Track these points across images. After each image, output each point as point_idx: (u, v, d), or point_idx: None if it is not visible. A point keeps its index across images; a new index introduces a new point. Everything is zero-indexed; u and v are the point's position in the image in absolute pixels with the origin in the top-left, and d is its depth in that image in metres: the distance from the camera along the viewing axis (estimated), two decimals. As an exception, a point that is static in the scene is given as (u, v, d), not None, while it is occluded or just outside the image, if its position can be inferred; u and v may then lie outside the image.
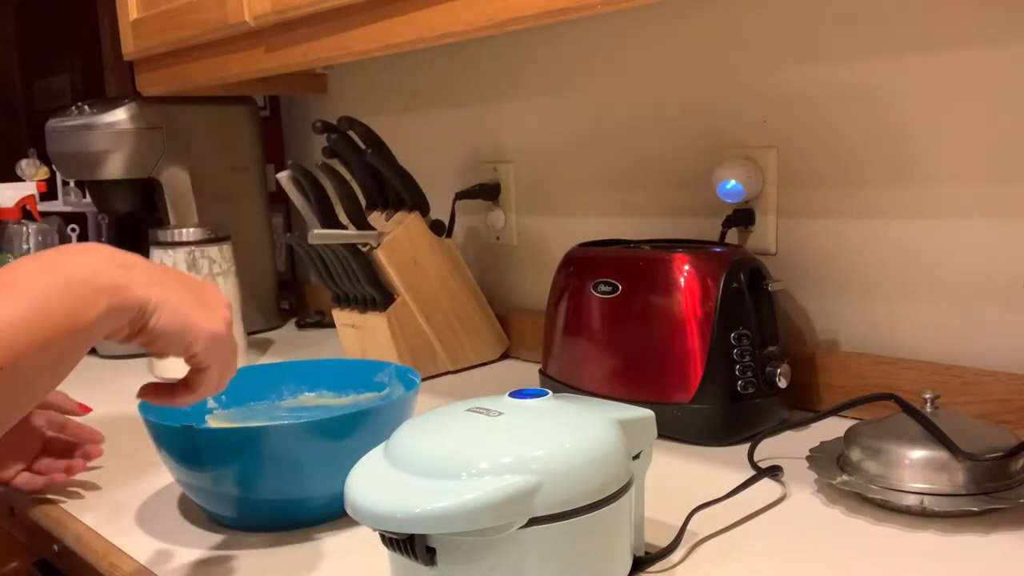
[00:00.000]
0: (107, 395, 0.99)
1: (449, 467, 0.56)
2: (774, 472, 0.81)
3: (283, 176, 1.25)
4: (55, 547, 0.82)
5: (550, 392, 0.65)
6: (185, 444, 0.75)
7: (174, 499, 0.86)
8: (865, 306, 1.00)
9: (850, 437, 0.78)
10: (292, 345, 1.52)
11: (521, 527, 0.55)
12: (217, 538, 0.77)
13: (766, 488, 0.80)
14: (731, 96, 1.08)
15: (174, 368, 0.64)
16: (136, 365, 1.35)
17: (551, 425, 0.61)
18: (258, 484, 0.74)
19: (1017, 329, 0.89)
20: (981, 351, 0.91)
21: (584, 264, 1.04)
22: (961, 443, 0.72)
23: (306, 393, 0.93)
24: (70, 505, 0.86)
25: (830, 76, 0.99)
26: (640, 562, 0.66)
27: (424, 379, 1.02)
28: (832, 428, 0.89)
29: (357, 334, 1.27)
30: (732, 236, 1.07)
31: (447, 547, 0.56)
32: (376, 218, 1.28)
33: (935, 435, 0.73)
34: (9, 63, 3.70)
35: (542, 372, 1.10)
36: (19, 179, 1.92)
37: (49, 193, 1.88)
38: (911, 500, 0.72)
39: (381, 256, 1.21)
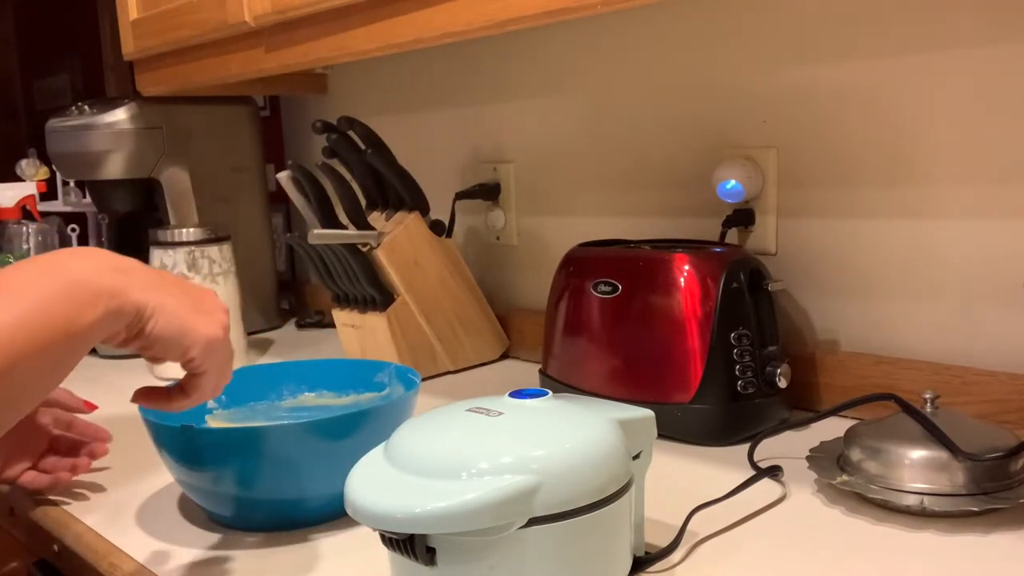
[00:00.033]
0: (107, 395, 0.99)
1: (449, 467, 0.56)
2: (774, 472, 0.81)
3: (283, 176, 1.25)
4: (55, 547, 0.82)
5: (550, 392, 0.65)
6: (185, 444, 0.75)
7: (174, 499, 0.86)
8: (865, 306, 1.00)
9: (850, 437, 0.78)
10: (292, 345, 1.52)
11: (521, 527, 0.55)
12: (217, 538, 0.77)
13: (766, 488, 0.80)
14: (731, 96, 1.08)
15: (173, 369, 0.64)
16: (136, 365, 1.35)
17: (551, 425, 0.61)
18: (258, 484, 0.74)
19: (1017, 329, 0.89)
20: (981, 351, 0.91)
21: (584, 264, 1.04)
22: (961, 443, 0.72)
23: (306, 393, 0.93)
24: (70, 505, 0.86)
25: (830, 76, 0.99)
26: (640, 562, 0.66)
27: (424, 379, 1.02)
28: (832, 428, 0.89)
29: (357, 334, 1.27)
30: (732, 236, 1.07)
31: (447, 547, 0.56)
32: (376, 218, 1.28)
33: (935, 435, 0.73)
34: (9, 63, 3.71)
35: (542, 372, 1.09)
36: (19, 179, 1.92)
37: (49, 193, 1.88)
38: (911, 500, 0.72)
39: (381, 256, 1.21)
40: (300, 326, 1.67)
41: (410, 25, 0.98)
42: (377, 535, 0.58)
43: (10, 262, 1.57)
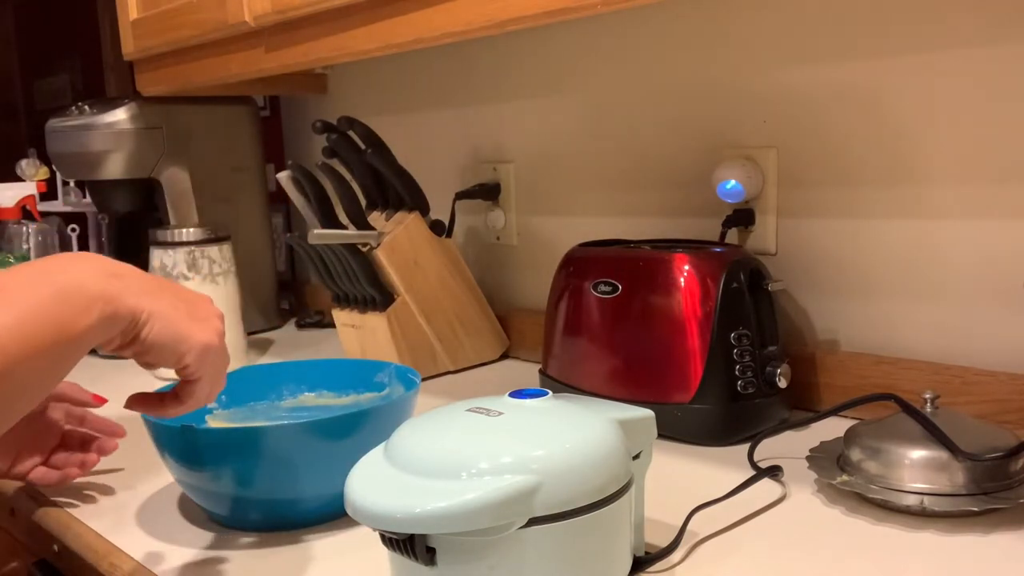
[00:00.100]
0: (107, 395, 0.99)
1: (449, 467, 0.56)
2: (774, 472, 0.81)
3: (283, 176, 1.25)
4: (55, 547, 0.82)
5: (550, 392, 0.65)
6: (185, 444, 0.75)
7: (174, 499, 0.86)
8: (865, 306, 1.00)
9: (850, 437, 0.78)
10: (292, 345, 1.52)
11: (521, 527, 0.55)
12: (217, 538, 0.77)
13: (766, 488, 0.80)
14: (731, 96, 1.08)
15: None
16: (136, 364, 1.35)
17: (551, 425, 0.61)
18: (258, 484, 0.74)
19: (1017, 329, 0.89)
20: (981, 351, 0.91)
21: (584, 264, 1.04)
22: (961, 443, 0.72)
23: (306, 393, 0.93)
24: (70, 505, 0.86)
25: (830, 76, 0.99)
26: (640, 562, 0.66)
27: (424, 379, 1.02)
28: (832, 428, 0.89)
29: (357, 334, 1.27)
30: (732, 236, 1.07)
31: (447, 547, 0.56)
32: (376, 218, 1.28)
33: (935, 435, 0.73)
34: (9, 63, 3.71)
35: (542, 372, 1.10)
36: (19, 179, 1.92)
37: (49, 193, 1.89)
38: (911, 500, 0.72)
39: (381, 256, 1.21)
40: (300, 326, 1.67)
41: (410, 25, 0.98)
42: (377, 535, 0.58)
43: (10, 262, 1.57)
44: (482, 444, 0.58)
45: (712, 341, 0.91)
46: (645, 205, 1.19)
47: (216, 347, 0.63)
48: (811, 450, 0.82)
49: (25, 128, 3.66)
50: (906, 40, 0.93)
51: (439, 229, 1.29)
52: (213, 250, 1.31)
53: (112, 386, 0.89)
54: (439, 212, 1.32)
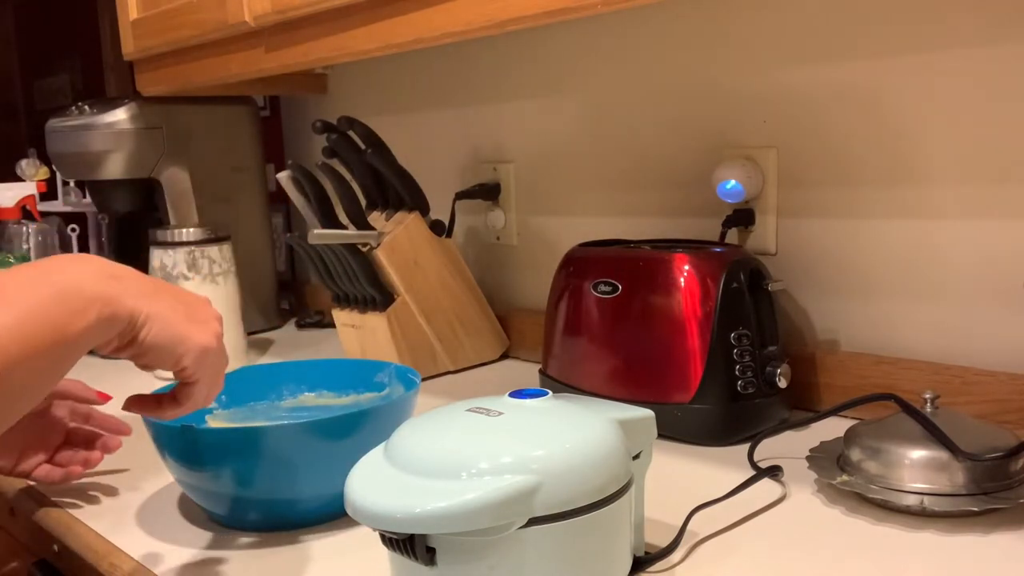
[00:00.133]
0: (109, 393, 0.99)
1: (449, 467, 0.56)
2: (774, 472, 0.81)
3: (283, 176, 1.25)
4: (55, 547, 0.82)
5: (550, 392, 0.65)
6: (185, 444, 0.75)
7: (174, 499, 0.86)
8: (865, 306, 1.00)
9: (850, 437, 0.78)
10: (292, 345, 1.52)
11: (521, 527, 0.55)
12: (217, 538, 0.77)
13: (766, 488, 0.80)
14: (731, 96, 1.08)
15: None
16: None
17: (551, 425, 0.61)
18: (258, 484, 0.74)
19: (1017, 329, 0.89)
20: (981, 351, 0.91)
21: (584, 264, 1.04)
22: (961, 443, 0.72)
23: (306, 393, 0.93)
24: (70, 505, 0.86)
25: (830, 76, 0.99)
26: (640, 562, 0.66)
27: (424, 379, 1.02)
28: (832, 428, 0.89)
29: (357, 334, 1.27)
30: (732, 236, 1.07)
31: (447, 547, 0.56)
32: (376, 218, 1.29)
33: (935, 435, 0.73)
34: (9, 63, 3.71)
35: (542, 372, 1.10)
36: (19, 179, 1.92)
37: (49, 193, 1.89)
38: (911, 500, 0.72)
39: (381, 256, 1.21)
40: (300, 326, 1.67)
41: (410, 25, 0.98)
42: (377, 535, 0.58)
43: (10, 262, 1.57)
44: (482, 444, 0.58)
45: (712, 341, 0.91)
46: (645, 205, 1.19)
47: (214, 349, 0.63)
48: (811, 450, 0.82)
49: (25, 128, 3.66)
50: (906, 40, 0.93)
51: (439, 229, 1.29)
52: (213, 250, 1.31)
53: (113, 385, 0.89)
54: (439, 212, 1.32)
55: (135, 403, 0.66)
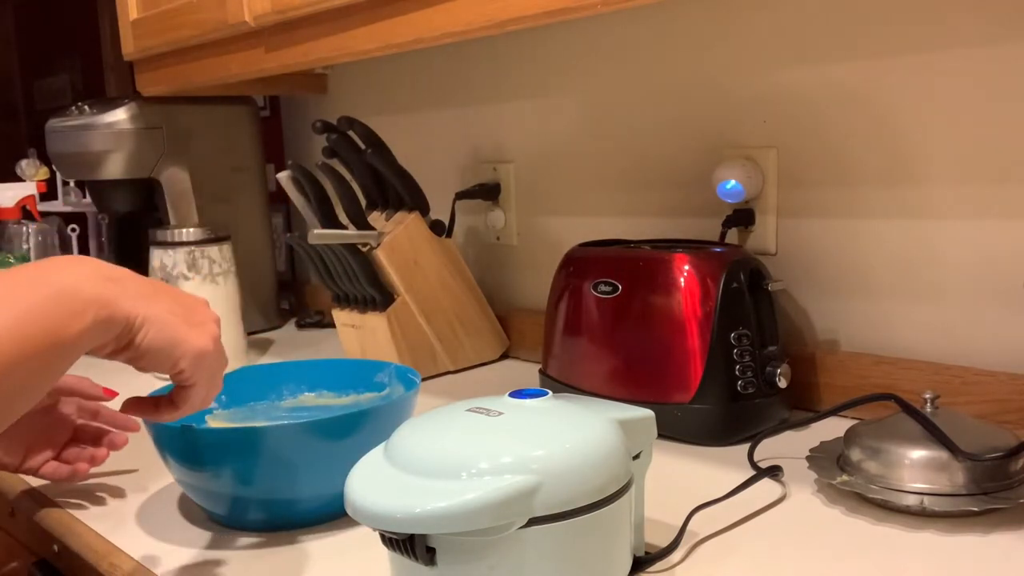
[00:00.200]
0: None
1: (449, 467, 0.56)
2: (774, 472, 0.81)
3: (283, 176, 1.25)
4: (55, 547, 0.82)
5: (550, 392, 0.65)
6: (185, 444, 0.75)
7: (174, 499, 0.86)
8: (865, 306, 1.00)
9: (850, 437, 0.78)
10: (292, 345, 1.52)
11: (521, 527, 0.55)
12: (217, 538, 0.77)
13: (766, 488, 0.80)
14: (731, 96, 1.08)
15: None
16: (136, 365, 1.35)
17: (551, 425, 0.61)
18: (258, 484, 0.74)
19: (1017, 329, 0.89)
20: (981, 351, 0.91)
21: (584, 264, 1.04)
22: (961, 443, 0.72)
23: (306, 393, 0.93)
24: (70, 505, 0.86)
25: (830, 76, 0.99)
26: (640, 562, 0.66)
27: (424, 379, 1.02)
28: (832, 428, 0.89)
29: (357, 334, 1.27)
30: (732, 236, 1.07)
31: (447, 547, 0.56)
32: (376, 218, 1.29)
33: (935, 435, 0.73)
34: (9, 63, 3.71)
35: (542, 372, 1.10)
36: (19, 179, 1.92)
37: (49, 193, 1.89)
38: (911, 500, 0.72)
39: (381, 256, 1.21)
40: (300, 326, 1.67)
41: (410, 25, 0.98)
42: (377, 535, 0.58)
43: (10, 262, 1.57)
44: (482, 444, 0.58)
45: (712, 341, 0.91)
46: (645, 205, 1.19)
47: (211, 352, 0.63)
48: (811, 450, 0.82)
49: (25, 128, 3.66)
50: (906, 40, 0.93)
51: (439, 229, 1.29)
52: (213, 250, 1.31)
53: (114, 383, 0.89)
54: (439, 212, 1.32)
55: (133, 406, 0.66)
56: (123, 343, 0.58)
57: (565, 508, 0.56)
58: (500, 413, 0.62)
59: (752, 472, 0.81)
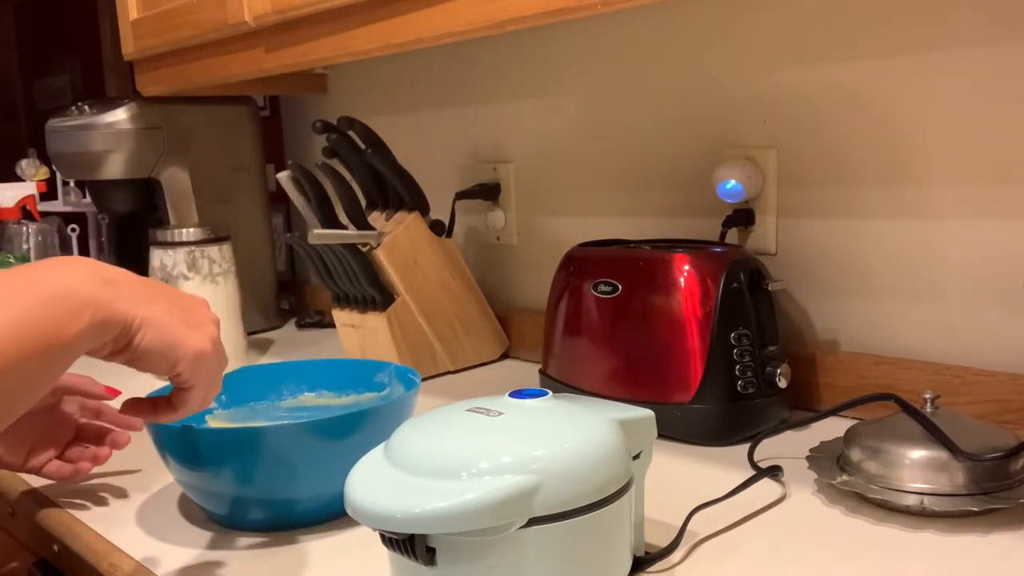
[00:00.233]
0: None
1: (449, 467, 0.56)
2: (774, 472, 0.81)
3: (283, 176, 1.25)
4: (55, 547, 0.82)
5: (550, 392, 0.65)
6: (185, 444, 0.75)
7: (174, 499, 0.85)
8: (865, 306, 1.00)
9: (850, 437, 0.78)
10: (292, 345, 1.52)
11: (521, 527, 0.55)
12: (217, 538, 0.77)
13: (766, 488, 0.80)
14: (731, 96, 1.08)
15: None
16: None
17: (551, 425, 0.61)
18: (258, 484, 0.74)
19: (1017, 329, 0.89)
20: (981, 351, 0.91)
21: (584, 264, 1.04)
22: (961, 443, 0.72)
23: (306, 393, 0.93)
24: (71, 505, 0.86)
25: (830, 76, 0.99)
26: (640, 562, 0.66)
27: (424, 379, 1.02)
28: (832, 428, 0.89)
29: (357, 334, 1.27)
30: (732, 236, 1.07)
31: (447, 547, 0.56)
32: (376, 218, 1.29)
33: (935, 435, 0.73)
34: (9, 63, 3.71)
35: (542, 372, 1.10)
36: (19, 179, 1.92)
37: (49, 193, 1.89)
38: (911, 500, 0.72)
39: (381, 256, 1.21)
40: (300, 326, 1.67)
41: (410, 25, 0.98)
42: (377, 535, 0.58)
43: (10, 262, 1.57)
44: (482, 444, 0.58)
45: (712, 341, 0.91)
46: (645, 205, 1.19)
47: (210, 354, 0.62)
48: (811, 450, 0.82)
49: (25, 128, 3.66)
50: (906, 40, 0.93)
51: (439, 229, 1.29)
52: (213, 250, 1.31)
53: (117, 382, 0.89)
54: (439, 212, 1.32)
55: (132, 407, 0.66)
56: (121, 345, 0.58)
57: (565, 508, 0.56)
58: (500, 413, 0.62)
59: (752, 472, 0.81)
